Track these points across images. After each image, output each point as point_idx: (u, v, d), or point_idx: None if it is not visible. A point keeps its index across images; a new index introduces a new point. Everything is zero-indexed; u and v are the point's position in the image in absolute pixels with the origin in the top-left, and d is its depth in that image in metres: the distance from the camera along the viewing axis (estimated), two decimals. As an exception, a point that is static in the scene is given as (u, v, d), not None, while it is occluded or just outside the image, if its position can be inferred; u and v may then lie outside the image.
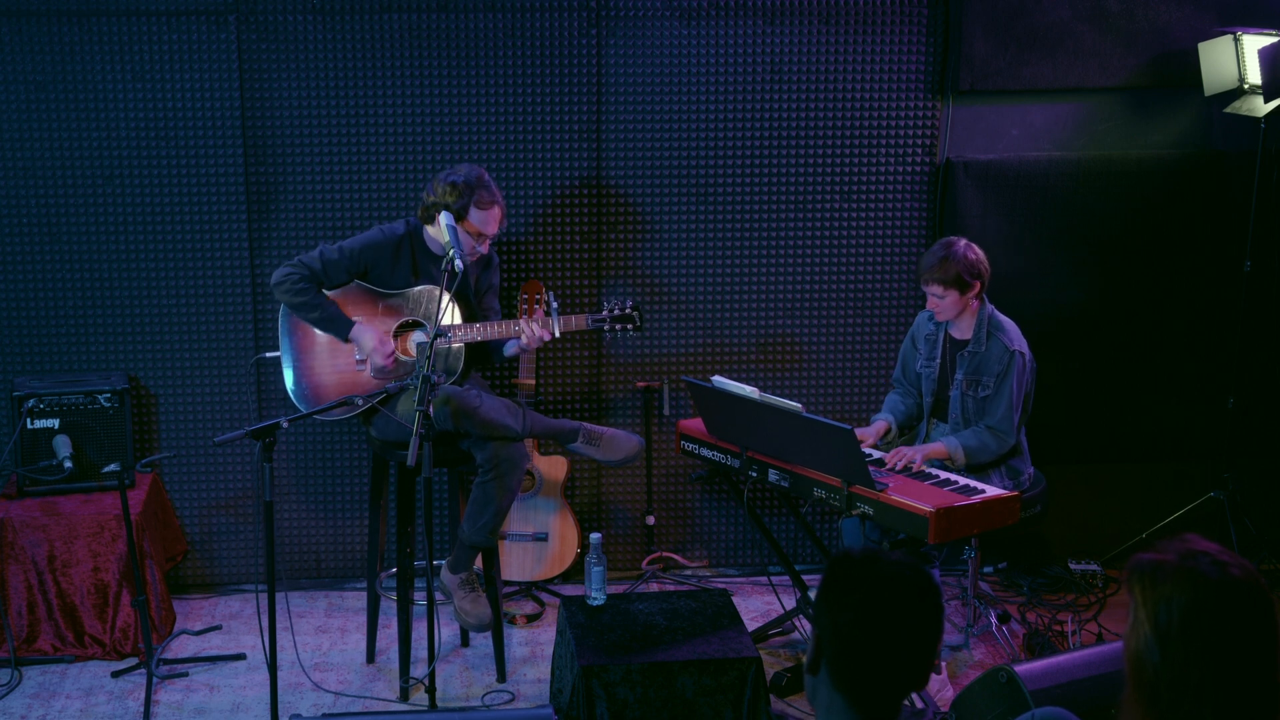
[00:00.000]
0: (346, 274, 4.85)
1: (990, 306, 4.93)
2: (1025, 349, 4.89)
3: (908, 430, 5.18)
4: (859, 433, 4.91)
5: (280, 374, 5.01)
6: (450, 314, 4.82)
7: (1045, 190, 5.58)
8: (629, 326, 4.96)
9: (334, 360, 4.93)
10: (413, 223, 4.92)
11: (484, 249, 4.83)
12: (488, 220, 4.76)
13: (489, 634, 5.00)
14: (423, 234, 4.89)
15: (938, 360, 5.03)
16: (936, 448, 4.84)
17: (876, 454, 4.88)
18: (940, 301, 4.86)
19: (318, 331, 4.90)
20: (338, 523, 5.69)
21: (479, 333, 4.82)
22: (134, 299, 5.42)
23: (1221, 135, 5.64)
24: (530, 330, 4.79)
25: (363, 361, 4.90)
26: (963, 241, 4.88)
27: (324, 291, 4.84)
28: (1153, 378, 5.80)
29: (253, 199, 5.39)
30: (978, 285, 4.86)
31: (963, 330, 4.97)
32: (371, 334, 4.84)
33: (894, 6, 5.43)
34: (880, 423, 5.07)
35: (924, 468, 4.72)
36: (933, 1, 5.43)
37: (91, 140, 5.28)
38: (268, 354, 5.35)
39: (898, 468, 4.71)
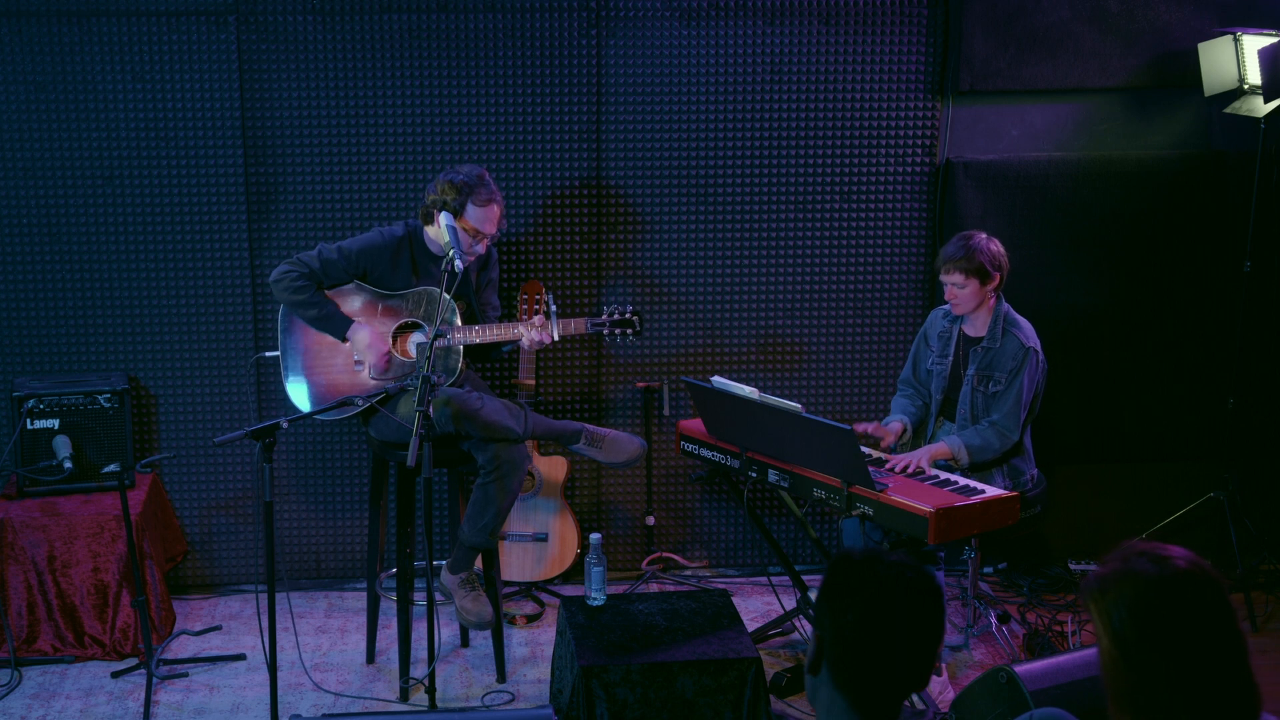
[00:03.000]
0: (345, 274, 4.85)
1: (1006, 304, 4.92)
2: (1039, 348, 4.88)
3: (920, 434, 5.16)
4: (875, 425, 4.93)
5: (279, 374, 5.01)
6: (450, 314, 4.82)
7: (1045, 190, 5.58)
8: (628, 331, 4.95)
9: (333, 360, 4.93)
10: (412, 224, 4.92)
11: (481, 249, 4.82)
12: (485, 218, 4.76)
13: (489, 634, 5.00)
14: (422, 234, 4.89)
15: (950, 358, 5.01)
16: (939, 448, 4.82)
17: (876, 454, 4.87)
18: (960, 292, 4.84)
19: (317, 331, 4.90)
20: (338, 523, 5.69)
21: (478, 335, 4.81)
22: (134, 299, 5.42)
23: (1221, 135, 5.64)
24: (529, 335, 4.79)
25: (361, 362, 4.90)
26: (983, 234, 4.88)
27: (323, 291, 4.84)
28: (1152, 378, 5.80)
29: (253, 199, 5.39)
30: (998, 277, 4.85)
31: (977, 327, 4.95)
32: (367, 332, 4.84)
33: (894, 6, 5.43)
34: (895, 423, 5.02)
35: (923, 466, 4.72)
36: (933, 1, 5.43)
37: (91, 140, 5.28)
38: (267, 353, 5.35)
39: (897, 469, 4.71)
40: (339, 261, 4.82)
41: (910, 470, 4.68)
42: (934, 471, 4.71)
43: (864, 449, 4.80)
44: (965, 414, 4.93)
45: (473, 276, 4.95)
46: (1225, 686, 2.04)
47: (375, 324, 4.88)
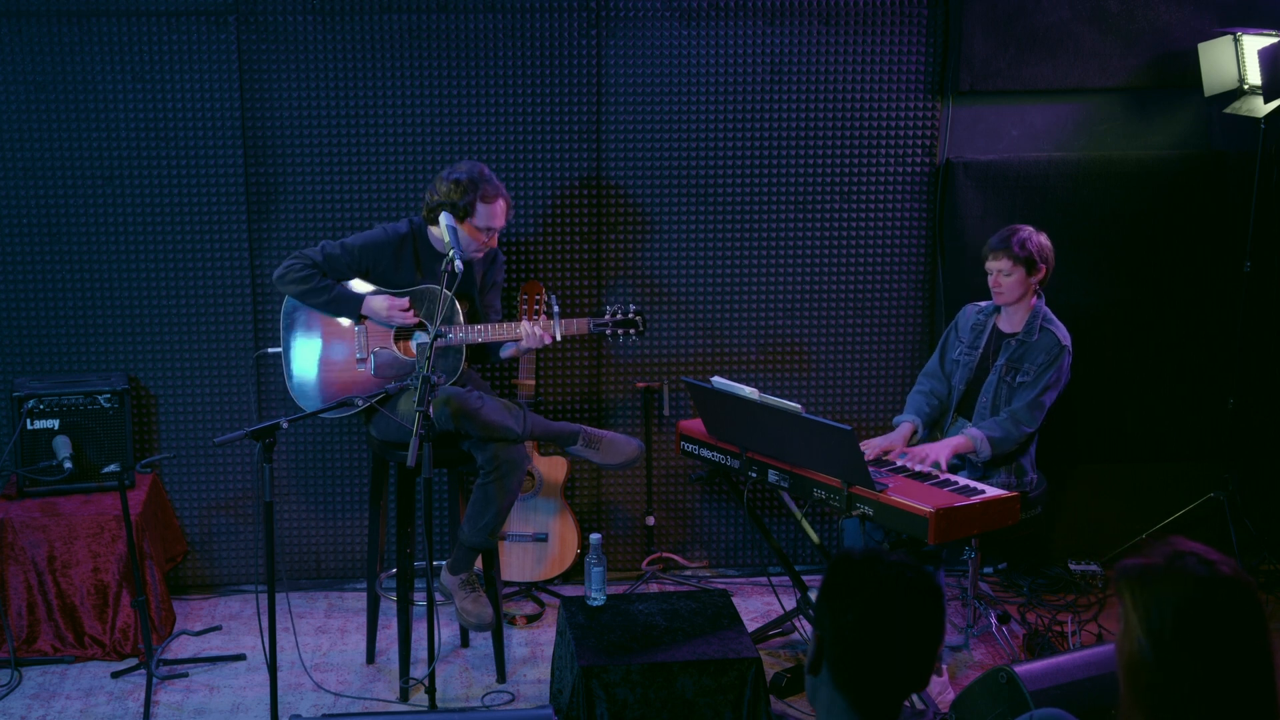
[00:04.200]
0: (348, 270, 4.85)
1: (1046, 307, 4.92)
2: (1071, 350, 4.88)
3: (936, 429, 5.14)
4: (885, 438, 4.91)
5: (280, 373, 5.01)
6: (453, 312, 4.82)
7: (1045, 190, 5.58)
8: (631, 331, 4.95)
9: (334, 358, 4.93)
10: (416, 222, 4.92)
11: (493, 242, 4.83)
12: (494, 213, 4.76)
13: (489, 634, 5.00)
14: (427, 233, 4.89)
15: (980, 350, 5.00)
16: (960, 441, 4.80)
17: (900, 460, 4.83)
18: (1005, 280, 4.83)
19: (318, 330, 4.90)
20: (338, 523, 5.69)
21: (480, 334, 4.81)
22: (134, 299, 5.42)
23: (1221, 135, 5.64)
24: (531, 334, 4.79)
25: (363, 360, 4.90)
26: (1030, 227, 4.88)
27: (328, 278, 4.84)
28: (1152, 378, 5.80)
29: (253, 199, 5.39)
30: (1043, 271, 4.86)
31: (1014, 323, 4.94)
32: (383, 299, 4.83)
33: (894, 6, 5.43)
34: (905, 425, 5.00)
35: (941, 464, 4.70)
36: (933, 2, 5.43)
37: (91, 140, 5.28)
38: (270, 349, 5.35)
39: (917, 469, 4.68)
40: (342, 256, 4.82)
41: (928, 466, 4.67)
42: (934, 471, 4.70)
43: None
44: (986, 403, 4.92)
45: (478, 275, 4.94)
46: (1249, 698, 2.03)
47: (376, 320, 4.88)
